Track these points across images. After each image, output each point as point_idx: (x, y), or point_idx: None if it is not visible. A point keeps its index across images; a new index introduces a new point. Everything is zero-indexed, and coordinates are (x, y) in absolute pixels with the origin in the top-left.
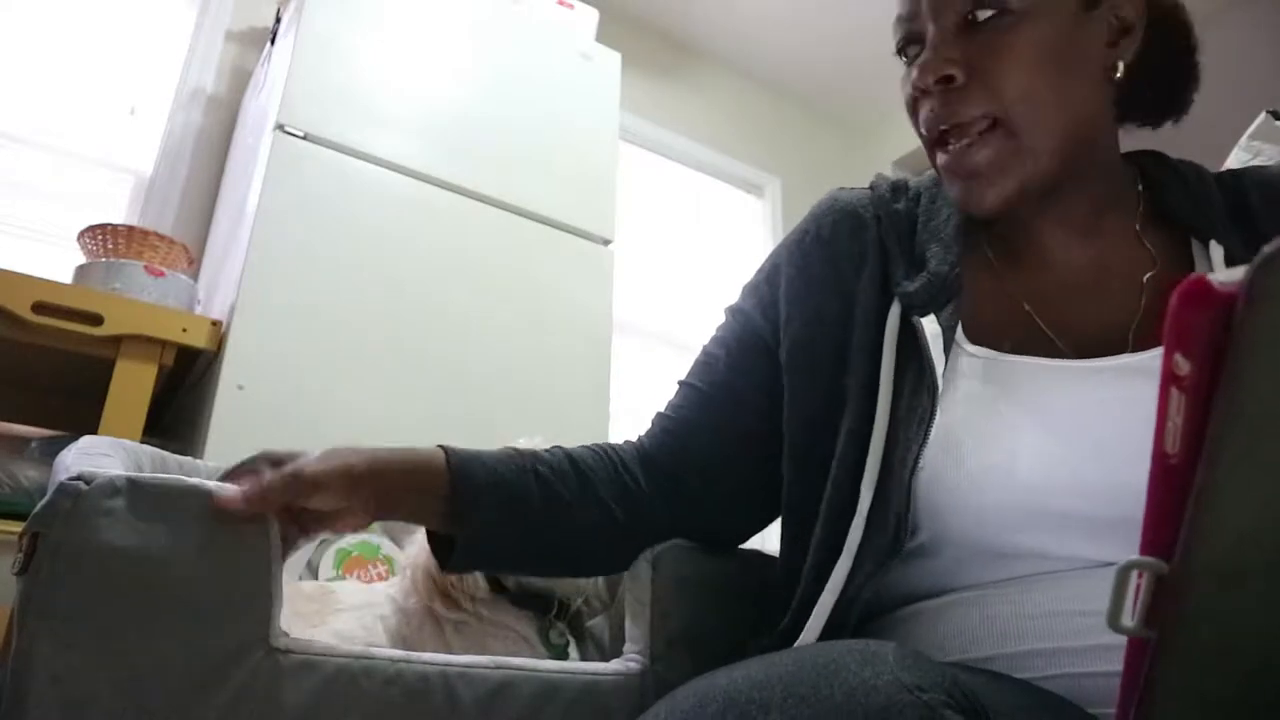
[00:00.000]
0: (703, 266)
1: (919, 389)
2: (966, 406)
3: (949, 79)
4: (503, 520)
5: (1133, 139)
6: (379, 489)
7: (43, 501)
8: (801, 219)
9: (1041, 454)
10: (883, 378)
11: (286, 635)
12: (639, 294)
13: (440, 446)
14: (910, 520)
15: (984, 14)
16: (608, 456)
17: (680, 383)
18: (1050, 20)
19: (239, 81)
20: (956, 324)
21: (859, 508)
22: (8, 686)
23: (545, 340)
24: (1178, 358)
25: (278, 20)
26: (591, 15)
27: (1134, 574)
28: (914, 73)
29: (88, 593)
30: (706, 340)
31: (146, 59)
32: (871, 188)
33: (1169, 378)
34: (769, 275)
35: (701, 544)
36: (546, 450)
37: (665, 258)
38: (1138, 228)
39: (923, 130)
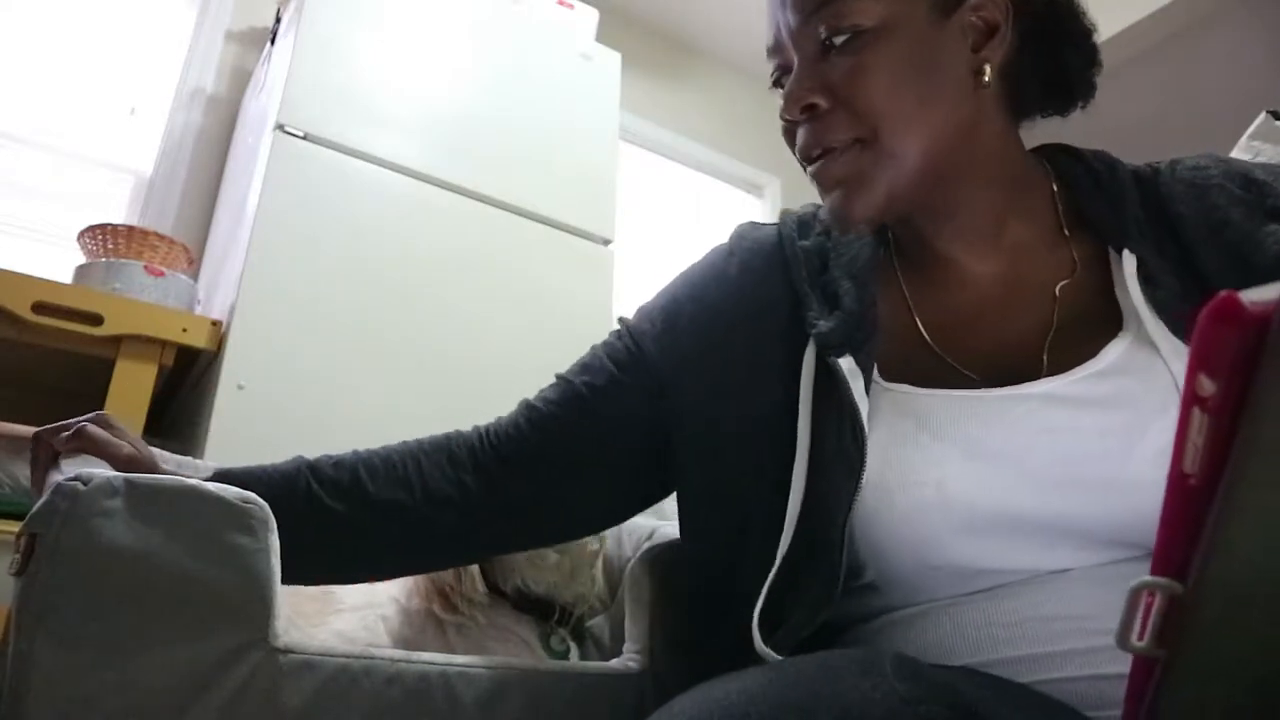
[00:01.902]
0: None
1: (842, 434)
2: (889, 447)
3: (813, 107)
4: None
5: (1125, 132)
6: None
7: (40, 502)
8: (706, 253)
9: (969, 482)
10: (800, 421)
11: (286, 635)
12: (639, 294)
13: (221, 469)
14: (849, 562)
15: (839, 38)
16: (416, 456)
17: (558, 377)
18: (902, 34)
19: (239, 81)
20: (873, 363)
21: (778, 554)
22: (6, 687)
23: (545, 340)
24: (1202, 378)
25: (278, 20)
26: (591, 15)
27: (1144, 594)
28: (781, 104)
29: (86, 593)
30: (598, 344)
31: (146, 59)
32: (780, 224)
33: (1191, 398)
34: (668, 304)
35: (531, 533)
36: (347, 454)
37: (665, 258)
38: (1064, 231)
39: (799, 158)
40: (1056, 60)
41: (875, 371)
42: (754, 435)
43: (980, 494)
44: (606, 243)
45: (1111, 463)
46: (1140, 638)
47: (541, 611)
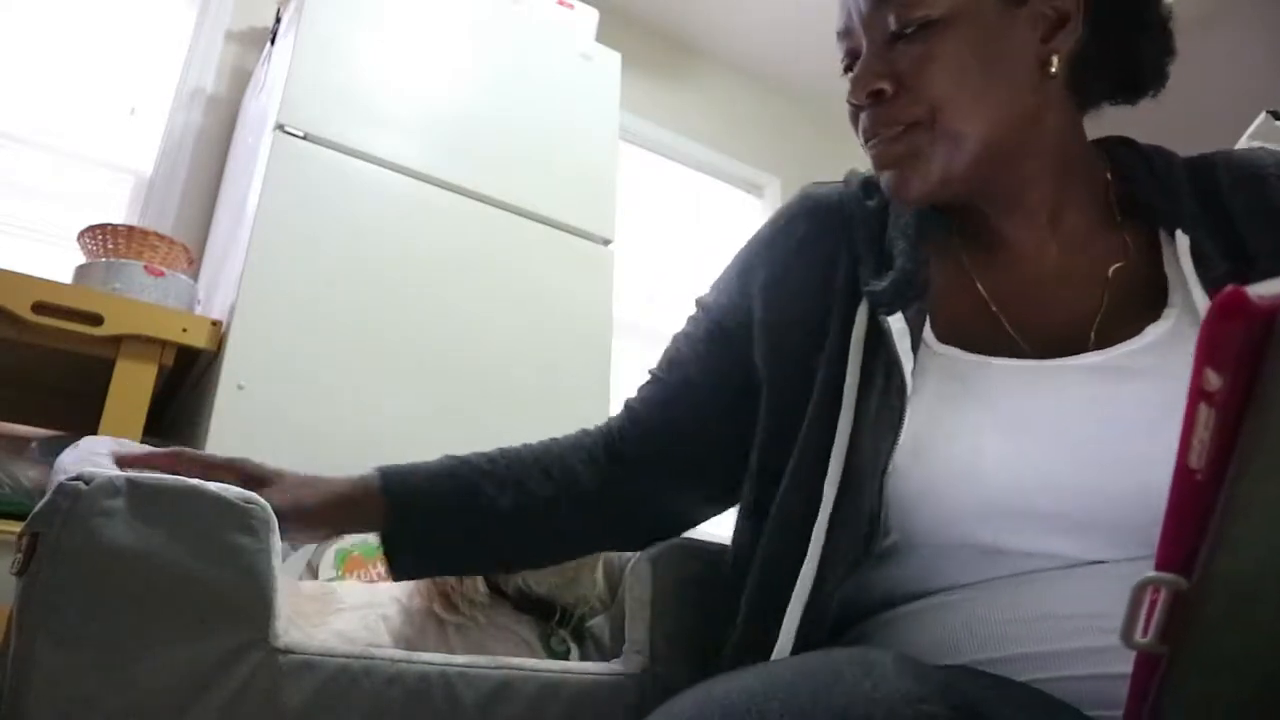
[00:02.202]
0: (703, 266)
1: (888, 390)
2: (933, 406)
3: (879, 93)
4: (435, 529)
5: (1131, 132)
6: (329, 520)
7: (42, 502)
8: (773, 214)
9: (1006, 453)
10: (848, 377)
11: (286, 635)
12: (639, 294)
13: (380, 470)
14: (883, 522)
15: (908, 27)
16: (560, 452)
17: (650, 373)
18: (971, 24)
19: (239, 81)
20: (924, 321)
21: (822, 510)
22: (7, 687)
23: (545, 340)
24: (1209, 372)
25: (278, 20)
26: (591, 15)
27: (1149, 590)
28: (849, 88)
29: (87, 593)
30: (678, 333)
31: (146, 59)
32: (845, 184)
33: (1198, 392)
34: (741, 271)
35: (651, 530)
36: (494, 451)
37: (665, 258)
38: (1117, 218)
39: (862, 140)
40: (1129, 48)
41: (928, 333)
42: (808, 389)
43: (1015, 463)
44: (606, 243)
45: (1148, 433)
46: (1144, 634)
47: (542, 612)
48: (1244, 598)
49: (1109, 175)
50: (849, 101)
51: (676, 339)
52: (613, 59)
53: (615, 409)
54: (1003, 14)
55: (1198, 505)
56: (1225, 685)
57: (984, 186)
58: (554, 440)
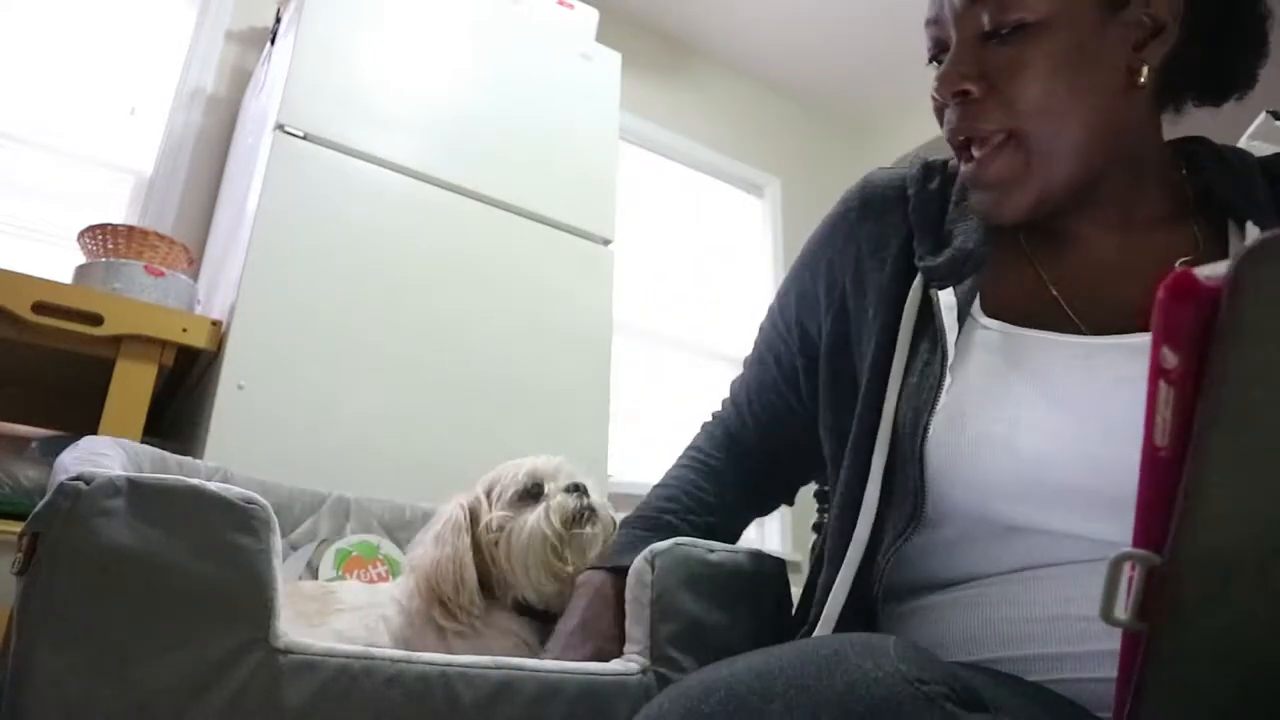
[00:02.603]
0: (703, 266)
1: (932, 358)
2: (974, 377)
3: (965, 93)
4: None
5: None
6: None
7: (43, 501)
8: (839, 200)
9: (1043, 426)
10: (898, 347)
11: (287, 636)
12: (639, 294)
13: (608, 575)
14: (926, 492)
15: (1003, 29)
16: (701, 463)
17: (745, 361)
18: (1068, 32)
19: (239, 81)
20: (974, 297)
21: (870, 481)
22: (7, 686)
23: (545, 340)
24: (1165, 351)
25: (278, 20)
26: (591, 15)
27: (1126, 566)
28: (935, 82)
29: (87, 593)
30: (764, 319)
31: (146, 59)
32: (907, 167)
33: (1157, 371)
34: (808, 261)
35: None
36: (663, 502)
37: (665, 258)
38: (1190, 213)
39: (946, 137)
40: (1223, 54)
41: (978, 307)
42: (862, 361)
43: (1051, 438)
44: (606, 243)
45: None
46: (1124, 612)
47: (541, 617)
48: (1214, 572)
49: (1184, 171)
50: (933, 96)
51: (763, 327)
52: (613, 59)
53: (615, 409)
54: (1099, 21)
55: (1165, 482)
56: (1203, 668)
57: (1066, 200)
58: (690, 468)
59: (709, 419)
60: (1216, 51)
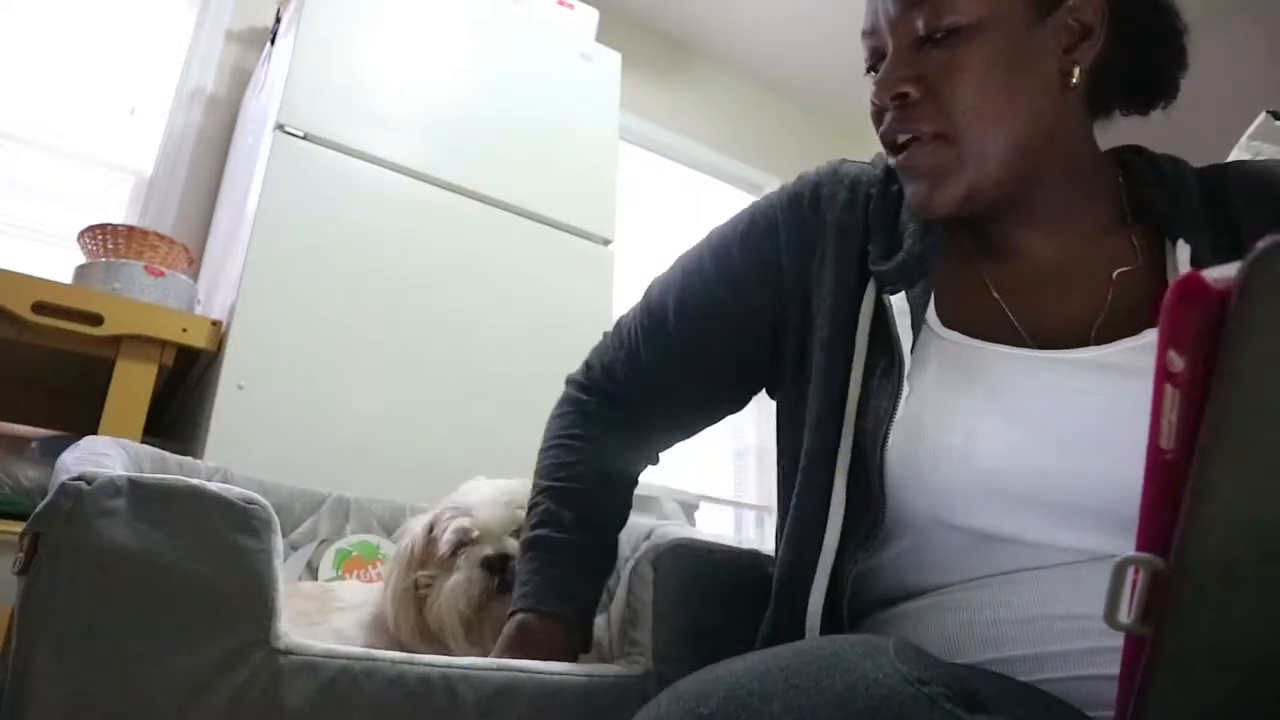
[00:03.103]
0: None
1: (889, 369)
2: (931, 388)
3: (903, 96)
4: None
5: (1132, 132)
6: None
7: (44, 502)
8: (798, 178)
9: (1000, 438)
10: (856, 353)
11: (287, 636)
12: (639, 294)
13: (534, 619)
14: (886, 500)
15: (936, 33)
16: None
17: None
18: (1001, 34)
19: (239, 81)
20: (927, 302)
21: (835, 486)
22: (8, 686)
23: (545, 340)
24: (1172, 354)
25: (278, 20)
26: (591, 15)
27: (1130, 570)
28: (874, 88)
29: (88, 593)
30: (682, 263)
31: (146, 59)
32: (871, 164)
33: (1163, 374)
34: (766, 230)
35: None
36: (573, 514)
37: (665, 258)
38: (1127, 223)
39: (883, 141)
40: (1144, 60)
41: (931, 315)
42: (822, 351)
43: (1007, 450)
44: (606, 243)
45: (1136, 427)
46: (1128, 616)
47: None
48: (1220, 575)
49: (1121, 181)
50: (873, 102)
51: (687, 270)
52: (613, 59)
53: None
54: (1030, 24)
55: (1170, 485)
56: (1207, 672)
57: (1000, 198)
58: (575, 447)
59: (570, 398)
60: (1140, 61)
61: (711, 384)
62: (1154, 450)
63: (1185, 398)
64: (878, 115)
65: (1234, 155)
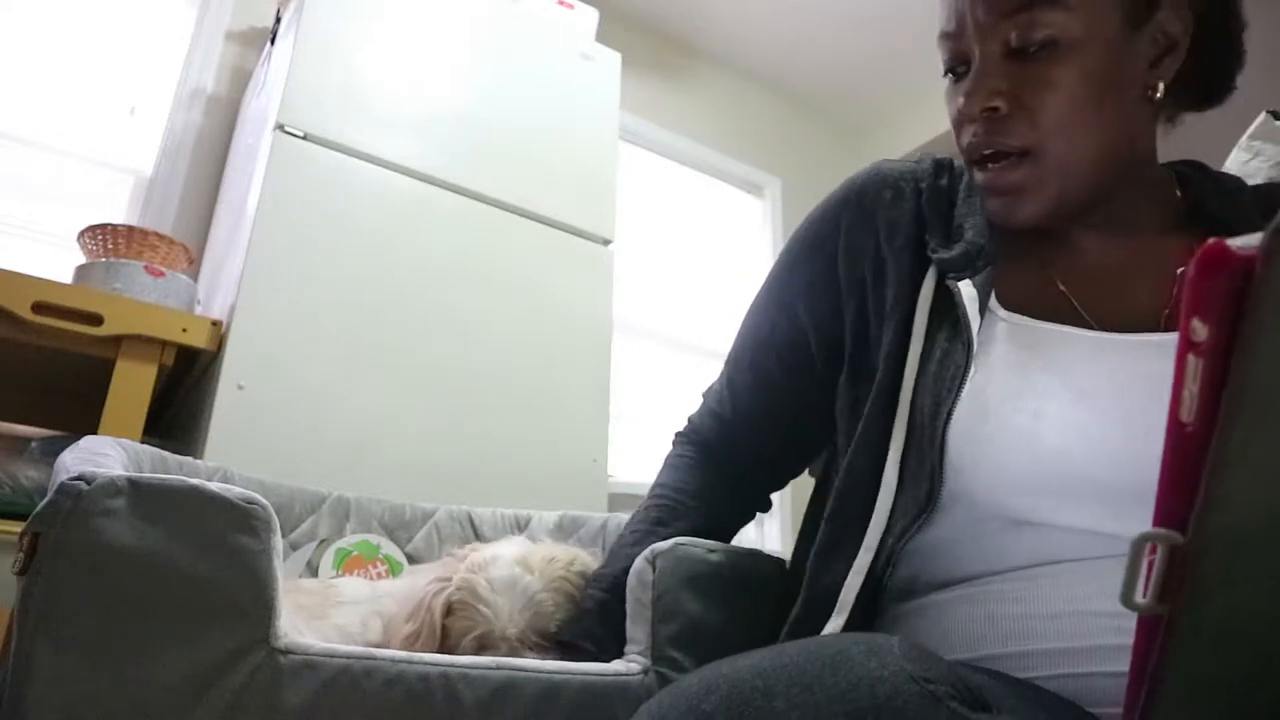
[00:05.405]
0: (703, 266)
1: (953, 348)
2: (997, 369)
3: (994, 109)
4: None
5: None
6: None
7: (44, 501)
8: (844, 183)
9: (1067, 420)
10: (914, 336)
11: (287, 636)
12: (639, 294)
13: (598, 603)
14: (943, 478)
15: (1031, 45)
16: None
17: (729, 361)
18: (1096, 49)
19: (239, 81)
20: (990, 290)
21: (889, 458)
22: (8, 686)
23: (545, 340)
24: (1195, 323)
25: (278, 20)
26: (591, 15)
27: (1147, 549)
28: (960, 99)
29: (88, 593)
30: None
31: (146, 59)
32: (916, 162)
33: (1186, 344)
34: (817, 245)
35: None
36: (654, 513)
37: (665, 258)
38: (1185, 229)
39: (964, 153)
40: (1213, 64)
41: (995, 300)
42: (878, 347)
43: (1074, 431)
44: (606, 243)
45: None
46: (1145, 595)
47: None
48: (1238, 550)
49: (1178, 192)
50: (959, 111)
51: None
52: (613, 59)
53: (615, 409)
54: (1122, 40)
55: (1191, 458)
56: (1223, 652)
57: (1078, 209)
58: (673, 482)
59: (680, 440)
60: (1210, 66)
61: (798, 423)
62: (1174, 423)
63: (1208, 367)
64: (959, 123)
65: (1234, 155)
